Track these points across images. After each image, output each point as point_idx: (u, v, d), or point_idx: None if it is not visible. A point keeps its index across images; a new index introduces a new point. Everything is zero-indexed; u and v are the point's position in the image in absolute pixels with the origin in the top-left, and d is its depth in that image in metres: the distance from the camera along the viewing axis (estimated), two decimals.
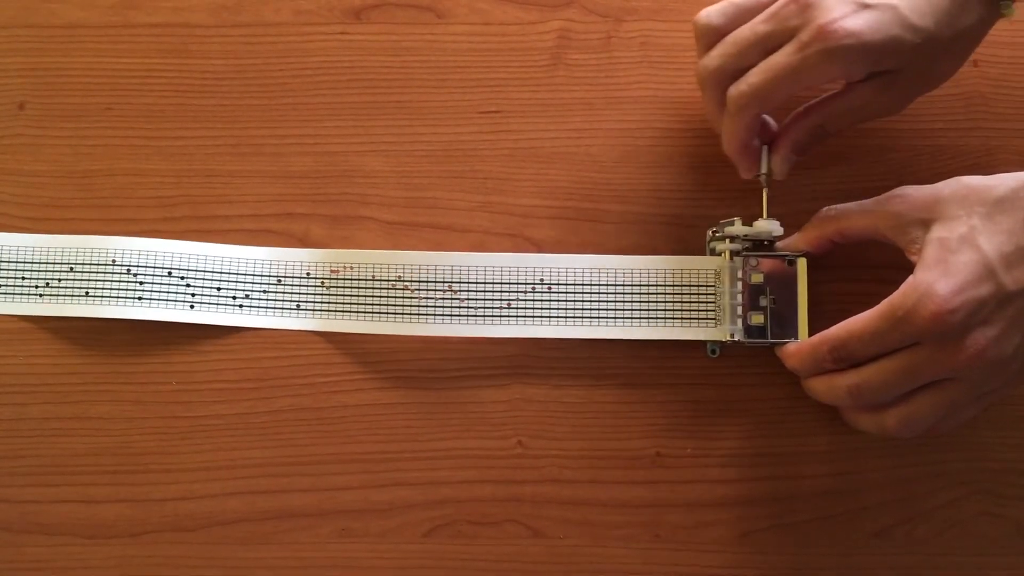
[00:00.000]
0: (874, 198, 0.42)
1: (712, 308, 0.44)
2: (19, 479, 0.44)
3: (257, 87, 0.48)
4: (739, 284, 0.44)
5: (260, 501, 0.44)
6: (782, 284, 0.44)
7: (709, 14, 0.42)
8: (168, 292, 0.45)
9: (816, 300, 0.44)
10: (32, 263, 0.46)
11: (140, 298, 0.45)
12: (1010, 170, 0.39)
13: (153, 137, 0.47)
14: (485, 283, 0.45)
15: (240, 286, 0.46)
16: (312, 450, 0.45)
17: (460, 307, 0.45)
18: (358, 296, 0.45)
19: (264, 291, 0.46)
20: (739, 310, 0.44)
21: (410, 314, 0.45)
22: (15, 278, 0.46)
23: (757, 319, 0.44)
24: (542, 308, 0.45)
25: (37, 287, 0.46)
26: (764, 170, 0.43)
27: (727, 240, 0.44)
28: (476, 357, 0.45)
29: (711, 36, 0.42)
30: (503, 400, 0.45)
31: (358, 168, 0.47)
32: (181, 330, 0.45)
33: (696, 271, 0.45)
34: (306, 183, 0.47)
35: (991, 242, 0.37)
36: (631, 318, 0.44)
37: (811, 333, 0.42)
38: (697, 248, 0.46)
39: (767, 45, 0.40)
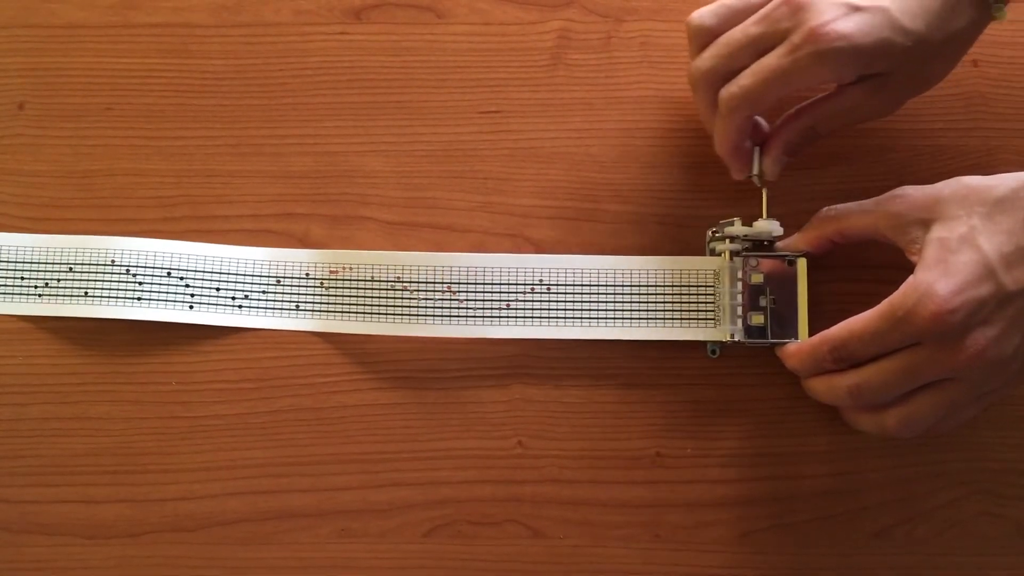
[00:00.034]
0: (874, 198, 0.42)
1: (711, 308, 0.44)
2: (19, 479, 0.44)
3: (257, 87, 0.48)
4: (739, 284, 0.44)
5: (260, 501, 0.44)
6: (782, 284, 0.44)
7: (702, 15, 0.42)
8: (167, 292, 0.45)
9: (816, 300, 0.44)
10: (31, 263, 0.46)
11: (139, 298, 0.45)
12: (1010, 170, 0.39)
13: (153, 137, 0.47)
14: (484, 284, 0.45)
15: (239, 286, 0.46)
16: (312, 450, 0.45)
17: (459, 308, 0.45)
18: (357, 297, 0.45)
19: (263, 291, 0.46)
20: (739, 310, 0.44)
21: (409, 315, 0.45)
22: (14, 278, 0.46)
23: (757, 319, 0.44)
24: (541, 309, 0.45)
25: (36, 287, 0.46)
26: (756, 171, 0.44)
27: (727, 240, 0.44)
28: (476, 357, 0.45)
29: (703, 37, 0.42)
30: (503, 400, 0.45)
31: (358, 168, 0.47)
32: (181, 330, 0.45)
33: (695, 271, 0.45)
34: (306, 183, 0.47)
35: (991, 242, 0.37)
36: (630, 318, 0.44)
37: (811, 333, 0.42)
38: (697, 248, 0.46)
39: (759, 47, 0.40)
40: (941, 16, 0.39)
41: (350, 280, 0.45)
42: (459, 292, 0.45)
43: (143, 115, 0.48)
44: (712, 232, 0.45)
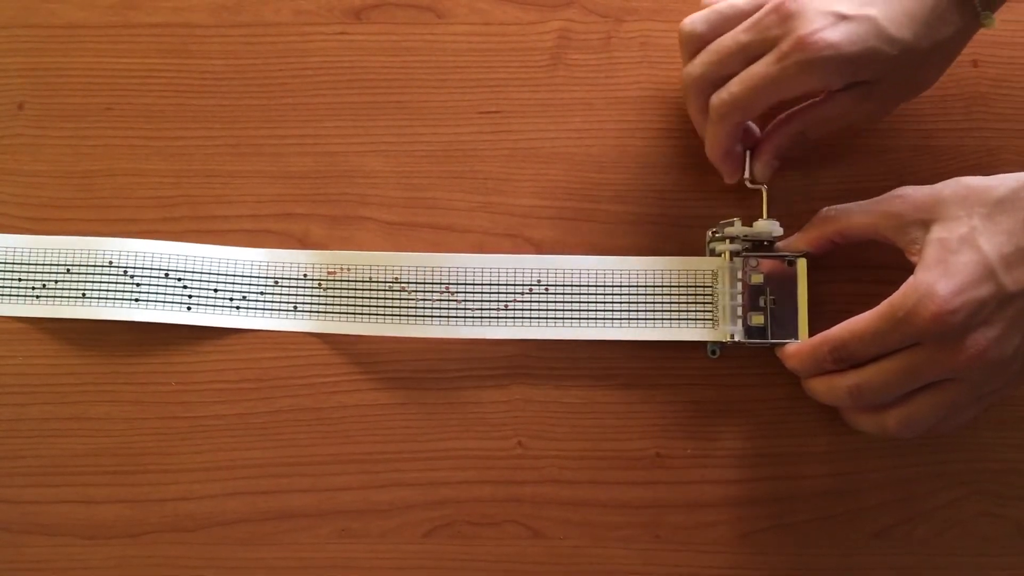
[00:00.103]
0: (874, 198, 0.42)
1: (710, 309, 0.44)
2: (19, 479, 0.44)
3: (257, 87, 0.48)
4: (739, 285, 0.44)
5: (260, 501, 0.44)
6: (782, 284, 0.44)
7: (693, 22, 0.42)
8: (165, 293, 0.45)
9: (816, 300, 0.44)
10: (29, 264, 0.46)
11: (137, 300, 0.45)
12: (1010, 170, 0.39)
13: (153, 137, 0.47)
14: (482, 284, 0.45)
15: (237, 287, 0.46)
16: (312, 450, 0.45)
17: (457, 308, 0.44)
18: (355, 297, 0.45)
19: (261, 292, 0.46)
20: (739, 311, 0.44)
21: (407, 315, 0.45)
22: (12, 279, 0.46)
23: (757, 320, 0.44)
24: (540, 309, 0.45)
25: (34, 288, 0.45)
26: (747, 175, 0.44)
27: (727, 240, 0.44)
28: (476, 358, 0.45)
29: (695, 43, 0.42)
30: (503, 400, 0.45)
31: (358, 168, 0.47)
32: (181, 331, 0.45)
33: (694, 272, 0.45)
34: (306, 183, 0.47)
35: (991, 243, 0.37)
36: (629, 319, 0.44)
37: (811, 334, 0.42)
38: (697, 249, 0.46)
39: (748, 54, 0.41)
40: (928, 24, 0.39)
41: (348, 281, 0.45)
42: (457, 292, 0.45)
43: (143, 115, 0.48)
44: (712, 232, 0.45)
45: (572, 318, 0.44)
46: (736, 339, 0.43)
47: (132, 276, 0.45)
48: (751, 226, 0.44)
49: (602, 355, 0.45)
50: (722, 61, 0.41)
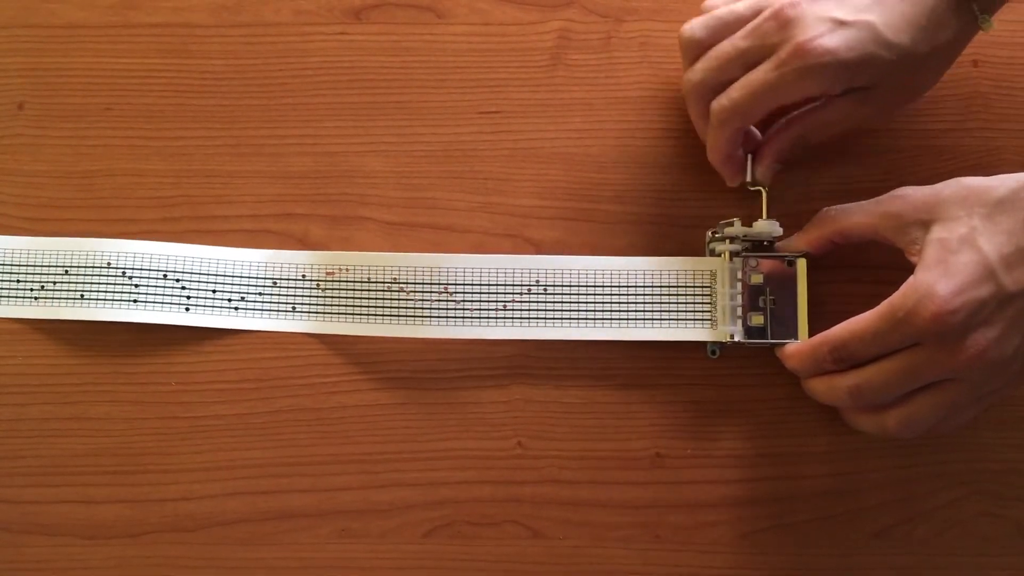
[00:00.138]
0: (874, 199, 0.42)
1: (709, 309, 0.44)
2: (19, 479, 0.44)
3: (257, 87, 0.48)
4: (739, 285, 0.44)
5: (260, 501, 0.44)
6: (782, 285, 0.44)
7: (692, 28, 0.43)
8: (163, 295, 0.45)
9: (816, 301, 0.44)
10: (27, 266, 0.46)
11: (135, 301, 0.45)
12: (1010, 170, 0.39)
13: (153, 137, 0.47)
14: (481, 285, 0.45)
15: (235, 288, 0.46)
16: (312, 451, 0.45)
17: (456, 309, 0.45)
18: (353, 298, 0.45)
19: (259, 293, 0.46)
20: (739, 311, 0.44)
21: (405, 316, 0.45)
22: (10, 281, 0.46)
23: (757, 320, 0.44)
24: (538, 310, 0.45)
25: (32, 290, 0.45)
26: (748, 178, 0.44)
27: (727, 241, 0.44)
28: (476, 358, 0.45)
29: (695, 49, 0.43)
30: (503, 401, 0.45)
31: (358, 168, 0.47)
32: (181, 331, 0.45)
33: (691, 272, 0.45)
34: (306, 183, 0.47)
35: (991, 243, 0.37)
36: (627, 319, 0.44)
37: (811, 334, 0.42)
38: (697, 249, 0.46)
39: (747, 60, 0.41)
40: (927, 29, 0.39)
41: (346, 281, 0.45)
42: (456, 293, 0.45)
43: (143, 115, 0.47)
44: (712, 233, 0.45)
45: (570, 318, 0.44)
46: (736, 339, 0.43)
47: (130, 277, 0.45)
48: (751, 226, 0.44)
49: (602, 355, 0.45)
50: (721, 67, 0.41)
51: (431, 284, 0.45)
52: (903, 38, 0.39)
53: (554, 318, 0.44)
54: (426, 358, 0.45)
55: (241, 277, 0.46)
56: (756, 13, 0.41)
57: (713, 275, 0.44)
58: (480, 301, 0.45)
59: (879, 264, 0.44)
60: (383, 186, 0.47)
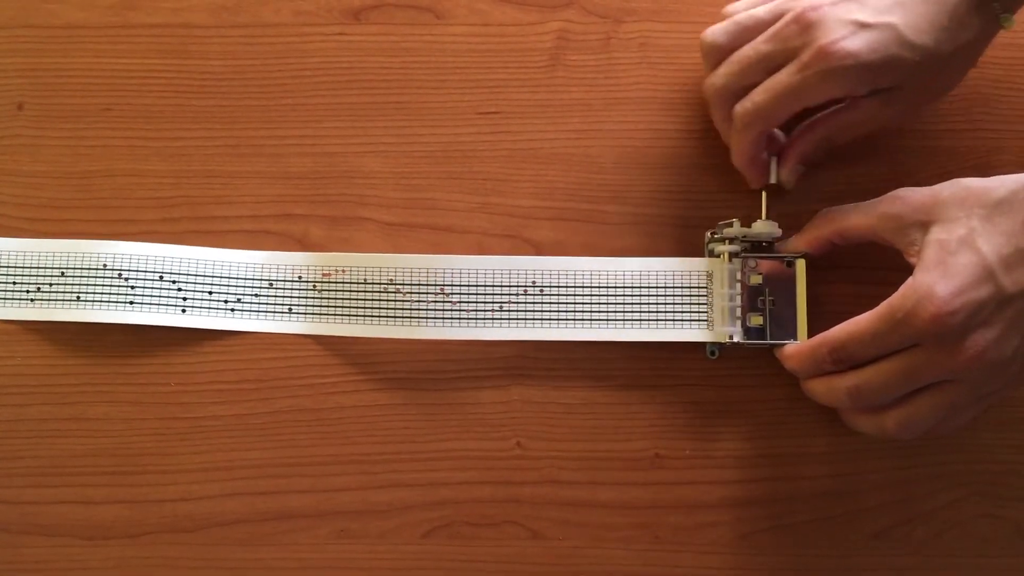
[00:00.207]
0: (873, 200, 0.42)
1: (705, 310, 0.44)
2: (18, 480, 0.44)
3: (256, 88, 0.48)
4: (738, 286, 0.44)
5: (259, 502, 0.44)
6: (781, 285, 0.44)
7: (714, 33, 0.43)
8: (159, 296, 0.45)
9: (815, 301, 0.44)
10: (23, 268, 0.46)
11: (132, 302, 0.45)
12: (1010, 171, 0.39)
13: (152, 138, 0.47)
14: (477, 286, 0.45)
15: (232, 290, 0.46)
16: (311, 451, 0.45)
17: (452, 310, 0.44)
18: (350, 299, 0.45)
19: (256, 295, 0.46)
20: (738, 311, 0.44)
21: (402, 317, 0.45)
22: (6, 283, 0.46)
23: (756, 320, 0.44)
24: (535, 310, 0.45)
25: (28, 292, 0.45)
26: (773, 180, 0.44)
27: (726, 241, 0.44)
28: (475, 358, 0.45)
29: (716, 54, 0.43)
30: (502, 401, 0.45)
31: (357, 169, 0.47)
32: (179, 331, 0.45)
33: (688, 272, 0.45)
34: (305, 184, 0.47)
35: (990, 244, 0.37)
36: (624, 320, 0.44)
37: (810, 334, 0.42)
38: (696, 250, 0.46)
39: (769, 64, 0.41)
40: (949, 29, 0.39)
41: (343, 283, 0.45)
42: (452, 294, 0.45)
43: (142, 116, 0.47)
44: (711, 233, 0.45)
45: (567, 319, 0.44)
46: (735, 340, 0.43)
47: (126, 279, 0.45)
48: (750, 227, 0.44)
49: (601, 356, 0.45)
50: (744, 71, 0.42)
51: (427, 285, 0.45)
52: (925, 39, 0.39)
53: (551, 319, 0.44)
54: (425, 359, 0.45)
55: (237, 279, 0.46)
56: (777, 17, 0.41)
57: (709, 276, 0.44)
58: (477, 302, 0.45)
59: (878, 265, 0.44)
60: (382, 187, 0.47)
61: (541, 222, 0.46)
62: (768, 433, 0.45)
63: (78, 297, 0.45)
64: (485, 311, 0.45)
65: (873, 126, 0.43)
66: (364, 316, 0.45)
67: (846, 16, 0.39)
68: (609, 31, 0.48)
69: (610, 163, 0.47)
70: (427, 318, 0.44)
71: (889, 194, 0.41)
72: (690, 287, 0.44)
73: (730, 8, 0.44)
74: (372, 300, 0.45)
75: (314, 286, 0.46)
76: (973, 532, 0.44)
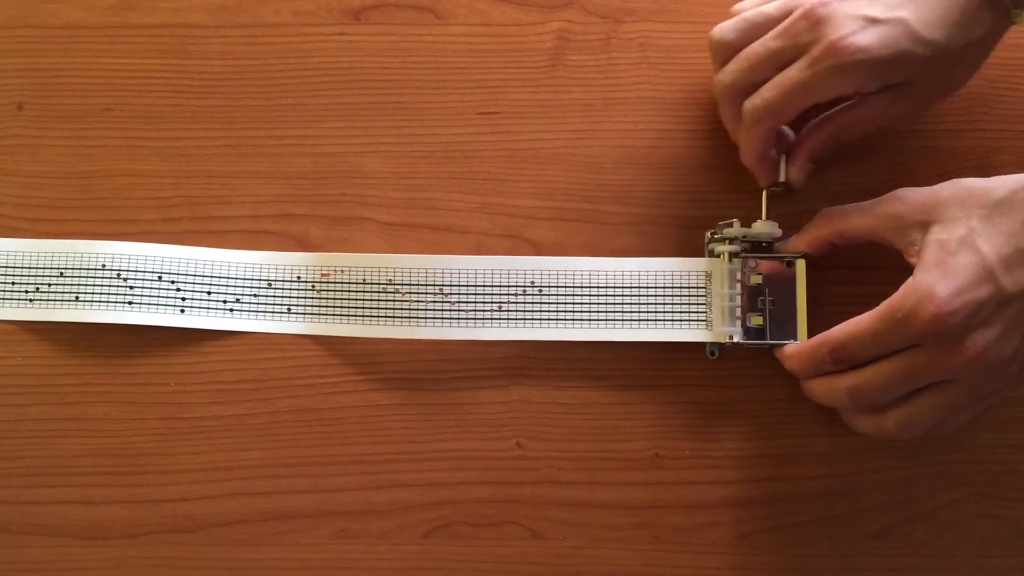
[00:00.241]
0: (873, 200, 0.42)
1: (703, 310, 0.44)
2: (17, 480, 0.44)
3: (256, 88, 0.48)
4: (738, 286, 0.44)
5: (259, 502, 0.44)
6: (781, 285, 0.44)
7: (723, 30, 0.43)
8: (158, 296, 0.45)
9: (815, 301, 0.44)
10: (22, 268, 0.46)
11: (130, 303, 0.45)
12: (1009, 171, 0.39)
13: (152, 138, 0.47)
14: (476, 286, 0.45)
15: (230, 290, 0.46)
16: (311, 451, 0.44)
17: (451, 310, 0.44)
18: (349, 299, 0.45)
19: (255, 295, 0.46)
20: (738, 311, 0.44)
21: (401, 317, 0.45)
22: (5, 283, 0.46)
23: (756, 320, 0.44)
24: (533, 310, 0.45)
25: (27, 292, 0.45)
26: (782, 178, 0.44)
27: (726, 242, 0.44)
28: (475, 358, 0.45)
29: (725, 51, 0.43)
30: (502, 401, 0.45)
31: (357, 169, 0.47)
32: (179, 331, 0.45)
33: (688, 272, 0.45)
34: (305, 184, 0.47)
35: (990, 244, 0.37)
36: (622, 320, 0.44)
37: (810, 335, 0.42)
38: (697, 250, 0.46)
39: (779, 61, 0.41)
40: (960, 24, 0.39)
41: (342, 283, 0.45)
42: (451, 294, 0.45)
43: (142, 116, 0.47)
44: (711, 233, 0.45)
45: (566, 319, 0.44)
46: (735, 340, 0.43)
47: (125, 279, 0.45)
48: (750, 227, 0.44)
49: (601, 356, 0.45)
50: (753, 68, 0.41)
51: (426, 285, 0.45)
52: (937, 34, 0.39)
53: (549, 319, 0.44)
54: (425, 359, 0.45)
55: (236, 279, 0.46)
56: (786, 14, 0.41)
57: (708, 275, 0.44)
58: (476, 302, 0.45)
59: (878, 265, 0.44)
60: (382, 187, 0.47)
61: (541, 222, 0.46)
62: (768, 433, 0.45)
63: (77, 297, 0.45)
64: (484, 311, 0.45)
65: (883, 123, 0.43)
66: (363, 316, 0.45)
67: (856, 11, 0.39)
68: (609, 31, 0.48)
69: (610, 163, 0.47)
70: (426, 318, 0.44)
71: (889, 194, 0.41)
72: (690, 287, 0.44)
73: (739, 6, 0.44)
74: (371, 300, 0.45)
75: (313, 286, 0.46)
76: (973, 532, 0.44)
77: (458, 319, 0.44)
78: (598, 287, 0.45)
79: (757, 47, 0.41)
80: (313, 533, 0.44)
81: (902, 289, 0.38)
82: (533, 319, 0.44)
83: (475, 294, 0.45)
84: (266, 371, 0.45)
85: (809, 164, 0.44)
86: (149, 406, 0.45)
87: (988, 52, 0.42)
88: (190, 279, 0.45)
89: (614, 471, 0.44)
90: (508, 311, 0.45)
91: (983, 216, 0.38)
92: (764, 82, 0.41)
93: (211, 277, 0.45)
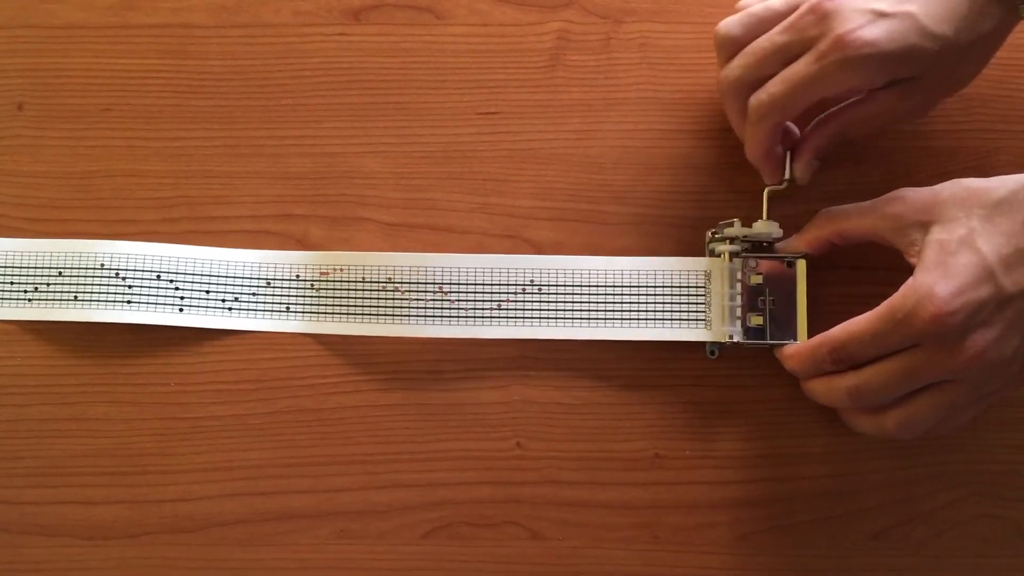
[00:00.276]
0: (873, 200, 0.42)
1: (703, 309, 0.44)
2: (18, 480, 0.44)
3: (256, 88, 0.48)
4: (738, 285, 0.44)
5: (259, 502, 0.44)
6: (781, 285, 0.44)
7: (728, 25, 0.42)
8: (157, 295, 0.45)
9: (815, 301, 0.44)
10: (21, 267, 0.46)
11: (129, 302, 0.45)
12: (1009, 171, 0.39)
13: (152, 138, 0.47)
14: (475, 284, 0.45)
15: (229, 289, 0.46)
16: (311, 451, 0.45)
17: (450, 308, 0.45)
18: (348, 298, 0.45)
19: (253, 294, 0.46)
20: (738, 311, 0.44)
21: (400, 315, 0.45)
22: (4, 282, 0.46)
23: (756, 320, 0.44)
24: (532, 309, 0.45)
25: (26, 291, 0.45)
26: (787, 176, 0.44)
27: (727, 241, 0.44)
28: (475, 358, 0.45)
29: (731, 47, 0.42)
30: (502, 401, 0.45)
31: (357, 169, 0.47)
32: (180, 331, 0.45)
33: (686, 272, 0.45)
34: (305, 184, 0.47)
35: (990, 244, 0.37)
36: (621, 319, 0.44)
37: (810, 335, 0.42)
38: (697, 250, 0.46)
39: (786, 55, 0.40)
40: (968, 19, 0.39)
41: (341, 281, 0.45)
42: (450, 293, 0.45)
43: (142, 116, 0.47)
44: (712, 233, 0.45)
45: (565, 318, 0.44)
46: (735, 340, 0.43)
47: (124, 278, 0.45)
48: (751, 227, 0.44)
49: (601, 356, 0.45)
50: (760, 63, 0.41)
51: (426, 284, 0.45)
52: (945, 28, 0.39)
53: (549, 318, 0.44)
54: (425, 359, 0.45)
55: (235, 278, 0.46)
56: (792, 8, 0.41)
57: (707, 275, 0.44)
58: (475, 301, 0.45)
59: (878, 265, 0.44)
60: (382, 187, 0.47)
61: (541, 222, 0.46)
62: (768, 433, 0.45)
63: (76, 297, 0.45)
64: (483, 309, 0.45)
65: (889, 120, 0.43)
66: (362, 315, 0.45)
67: (863, 5, 0.39)
68: (609, 31, 0.48)
69: (610, 163, 0.47)
70: (425, 316, 0.44)
71: (889, 194, 0.41)
72: (690, 287, 0.44)
73: (744, 1, 0.43)
74: (370, 298, 0.45)
75: (312, 285, 0.46)
76: (973, 532, 0.44)
77: (457, 317, 0.44)
78: (597, 286, 0.45)
79: (763, 42, 0.41)
80: (313, 533, 0.44)
81: (902, 289, 0.38)
82: (532, 318, 0.44)
83: (474, 293, 0.45)
84: (266, 371, 0.45)
85: (815, 161, 0.44)
86: (149, 406, 0.45)
87: (996, 48, 0.42)
88: (189, 278, 0.45)
89: (614, 471, 0.44)
90: (507, 310, 0.45)
91: (983, 216, 0.38)
92: (770, 77, 0.41)
93: (210, 276, 0.45)
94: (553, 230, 0.46)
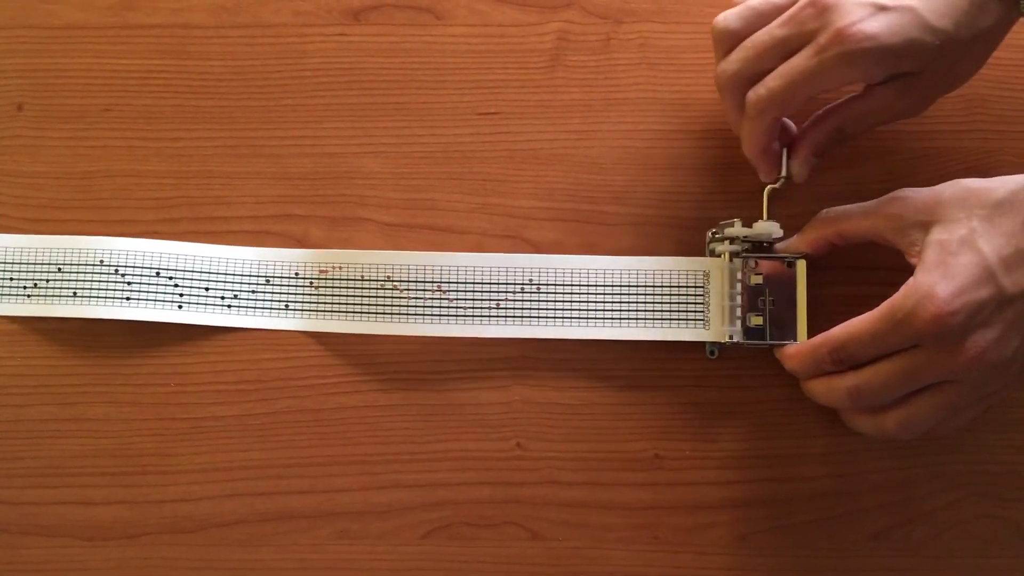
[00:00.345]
0: (874, 200, 0.42)
1: (702, 309, 0.44)
2: (17, 480, 0.44)
3: (256, 88, 0.48)
4: (738, 285, 0.44)
5: (258, 503, 0.44)
6: (781, 286, 0.44)
7: (727, 18, 0.42)
8: (156, 292, 0.45)
9: (815, 302, 0.44)
10: (20, 264, 0.46)
11: (128, 298, 0.45)
12: (1010, 172, 0.39)
13: (152, 138, 0.47)
14: (474, 283, 0.45)
15: (228, 286, 0.46)
16: (311, 452, 0.44)
17: (449, 307, 0.45)
18: (347, 296, 0.45)
19: (252, 291, 0.46)
20: (738, 311, 0.44)
21: (399, 314, 0.45)
22: (3, 279, 0.46)
23: (756, 321, 0.43)
24: (531, 308, 0.45)
25: (25, 288, 0.45)
26: (784, 173, 0.44)
27: (727, 241, 0.44)
28: (475, 359, 0.45)
29: (729, 40, 0.42)
30: (502, 402, 0.45)
31: (357, 169, 0.47)
32: (179, 331, 0.45)
33: (685, 272, 0.45)
34: (305, 184, 0.47)
35: (991, 244, 0.37)
36: (620, 319, 0.44)
37: (810, 335, 0.42)
38: (697, 250, 0.46)
39: (785, 49, 0.40)
40: (969, 14, 0.39)
41: (340, 280, 0.45)
42: (449, 291, 0.45)
43: (142, 116, 0.47)
44: (712, 233, 0.45)
45: (564, 317, 0.44)
46: (735, 340, 0.43)
47: (123, 275, 0.45)
48: (751, 227, 0.44)
49: (601, 356, 0.45)
50: (758, 57, 0.40)
51: (425, 282, 0.45)
52: (946, 23, 0.38)
53: (547, 317, 0.44)
54: (425, 359, 0.45)
55: (234, 275, 0.46)
56: (792, 2, 0.40)
57: (707, 275, 0.44)
58: (474, 299, 0.45)
59: (878, 265, 0.44)
60: (382, 187, 0.47)
61: (541, 223, 0.46)
62: (768, 433, 0.45)
63: (75, 293, 0.45)
64: (482, 308, 0.45)
65: (887, 117, 0.42)
66: (361, 313, 0.45)
67: None
68: (609, 32, 0.48)
69: (610, 164, 0.47)
70: (424, 315, 0.44)
71: (890, 194, 0.41)
72: (689, 287, 0.44)
73: None
74: (369, 297, 0.45)
75: (311, 283, 0.46)
76: (973, 532, 0.44)
77: (456, 316, 0.44)
78: (596, 285, 0.45)
79: (762, 35, 0.41)
80: (313, 533, 0.44)
81: (903, 289, 0.38)
82: (531, 317, 0.44)
83: (473, 291, 0.45)
84: (266, 371, 0.45)
85: (812, 158, 0.43)
86: (149, 406, 0.45)
87: (995, 44, 0.41)
88: (188, 275, 0.45)
89: (614, 471, 0.44)
90: (506, 308, 0.45)
91: (984, 217, 0.38)
92: (769, 72, 0.40)
93: (209, 273, 0.45)
94: (553, 230, 0.46)
